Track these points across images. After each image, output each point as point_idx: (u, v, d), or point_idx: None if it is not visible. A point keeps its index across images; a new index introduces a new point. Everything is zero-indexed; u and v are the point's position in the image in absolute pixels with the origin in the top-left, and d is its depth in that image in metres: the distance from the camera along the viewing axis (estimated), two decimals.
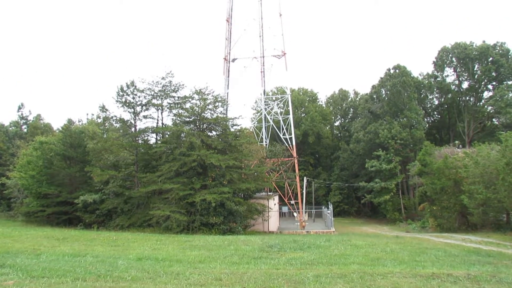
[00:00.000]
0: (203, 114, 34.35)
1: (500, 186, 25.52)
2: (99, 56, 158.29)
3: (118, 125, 37.90)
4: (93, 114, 66.04)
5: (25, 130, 66.48)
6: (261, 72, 51.84)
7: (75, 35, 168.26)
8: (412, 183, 54.65)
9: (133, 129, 36.50)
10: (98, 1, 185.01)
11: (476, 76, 59.92)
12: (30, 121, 68.04)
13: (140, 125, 36.81)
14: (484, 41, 59.50)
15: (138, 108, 35.96)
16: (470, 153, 33.96)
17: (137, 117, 36.30)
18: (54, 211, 35.90)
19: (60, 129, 47.71)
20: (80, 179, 37.26)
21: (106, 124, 40.15)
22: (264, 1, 54.31)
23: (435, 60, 63.71)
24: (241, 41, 55.04)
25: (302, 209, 45.14)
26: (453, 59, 61.29)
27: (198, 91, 35.56)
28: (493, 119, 62.09)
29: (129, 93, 35.83)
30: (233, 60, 51.93)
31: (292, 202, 47.64)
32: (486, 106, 59.56)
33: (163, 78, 36.53)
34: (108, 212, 33.51)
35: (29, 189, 37.58)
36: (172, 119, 36.95)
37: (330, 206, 48.39)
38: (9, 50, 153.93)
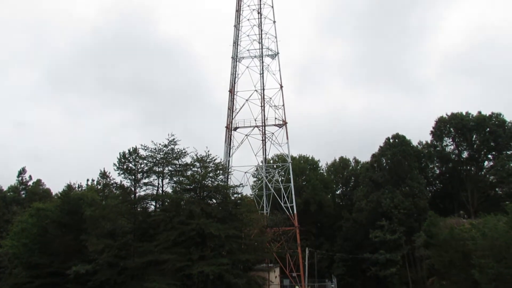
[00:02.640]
0: (203, 182, 34.23)
1: (511, 260, 24.46)
2: (106, 125, 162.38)
3: (117, 192, 37.58)
4: (93, 180, 65.92)
5: (24, 195, 65.82)
6: (262, 140, 52.63)
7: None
8: (418, 255, 52.60)
9: (132, 196, 36.10)
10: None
11: (475, 146, 60.68)
12: (30, 187, 67.63)
13: (140, 192, 36.53)
14: (480, 112, 61.19)
15: (139, 175, 35.89)
16: (476, 224, 33.16)
17: (137, 184, 36.10)
18: (44, 282, 34.17)
19: (59, 194, 47.23)
20: (74, 248, 35.94)
21: (106, 191, 39.84)
22: (265, 73, 56.99)
23: (433, 130, 64.92)
24: (243, 111, 56.67)
25: (304, 282, 42.95)
26: (451, 129, 62.49)
27: (200, 158, 35.78)
28: (496, 189, 61.61)
29: (131, 160, 36.03)
30: (235, 128, 53.11)
31: (294, 274, 45.50)
32: (488, 176, 59.47)
33: (165, 146, 36.93)
34: (101, 284, 31.86)
35: (20, 258, 36.17)
36: (173, 186, 36.78)
37: (334, 280, 46.15)
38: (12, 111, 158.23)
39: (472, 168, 62.58)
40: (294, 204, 46.60)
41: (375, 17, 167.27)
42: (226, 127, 55.48)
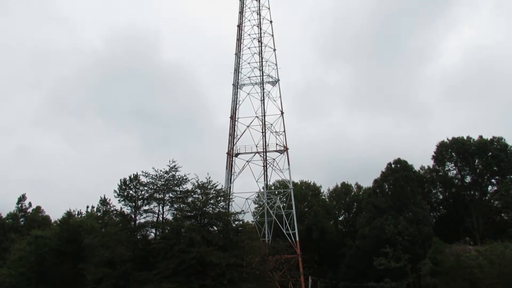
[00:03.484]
0: (204, 208, 33.85)
1: None
2: (107, 151, 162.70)
3: (117, 219, 37.16)
4: (93, 207, 65.38)
5: (23, 223, 65.08)
6: (264, 166, 52.44)
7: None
8: (425, 283, 51.23)
9: (132, 223, 35.64)
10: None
11: (477, 170, 60.24)
12: (29, 214, 66.99)
13: (140, 219, 36.10)
14: (481, 136, 61.11)
15: (140, 202, 35.58)
16: (483, 251, 32.48)
17: (137, 211, 35.72)
18: None
19: (58, 222, 46.72)
20: (72, 277, 35.22)
21: (106, 218, 39.44)
22: (266, 99, 57.50)
23: (434, 154, 64.67)
24: (244, 137, 56.79)
25: None
26: (453, 153, 62.27)
27: (201, 185, 35.53)
28: (502, 214, 60.73)
29: (131, 186, 35.81)
30: (236, 154, 53.05)
31: None
32: (492, 201, 58.78)
33: (166, 172, 36.77)
34: None
35: None
36: (173, 213, 36.38)
37: None
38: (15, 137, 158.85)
39: (476, 193, 61.90)
40: (296, 231, 45.92)
41: (374, 42, 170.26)
42: (227, 153, 55.48)
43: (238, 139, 56.36)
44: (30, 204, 69.85)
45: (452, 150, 62.22)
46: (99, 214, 50.86)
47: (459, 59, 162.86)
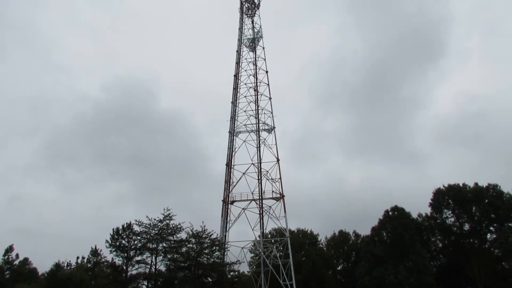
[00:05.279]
0: (199, 259, 32.86)
1: None
2: (101, 198, 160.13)
3: (108, 271, 35.78)
4: (83, 257, 63.07)
5: (8, 276, 62.30)
6: (260, 214, 51.65)
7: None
8: None
9: (124, 275, 34.30)
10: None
11: (475, 217, 59.70)
12: (15, 266, 64.33)
13: (132, 270, 34.82)
14: (476, 183, 61.18)
15: (132, 253, 34.51)
16: None
17: (129, 262, 34.53)
18: None
19: (46, 275, 44.82)
20: None
21: (96, 270, 37.98)
22: (262, 147, 57.89)
23: (431, 201, 64.29)
24: (240, 184, 56.36)
25: None
26: (450, 201, 61.96)
27: (195, 234, 34.75)
28: (503, 263, 59.38)
29: (124, 236, 34.89)
30: (232, 202, 52.37)
31: None
32: (492, 249, 57.70)
33: (160, 221, 36.05)
34: None
35: None
36: (166, 264, 35.19)
37: None
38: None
39: (475, 241, 60.90)
40: (293, 281, 44.23)
41: (368, 90, 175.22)
42: (223, 200, 54.75)
43: (234, 186, 55.94)
44: (17, 255, 67.21)
45: (449, 197, 62.01)
46: (89, 265, 48.98)
47: (452, 105, 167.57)
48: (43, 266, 71.81)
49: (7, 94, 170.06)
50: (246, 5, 70.27)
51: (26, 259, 66.19)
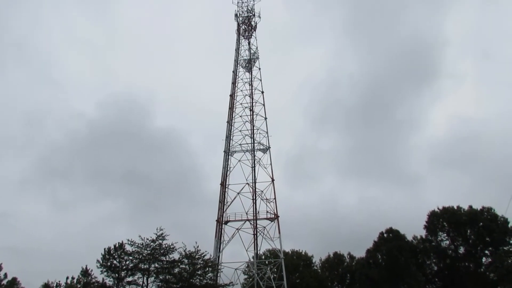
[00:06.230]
0: (191, 280, 32.29)
1: None
2: (93, 216, 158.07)
3: None
4: (73, 278, 61.71)
5: None
6: (254, 235, 51.19)
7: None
8: None
9: None
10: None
11: (470, 240, 59.55)
12: (3, 285, 62.76)
13: None
14: (471, 206, 61.31)
15: (123, 273, 33.89)
16: None
17: (120, 283, 33.87)
18: None
19: None
20: None
21: None
22: (257, 167, 57.89)
23: (426, 224, 64.16)
24: (234, 204, 55.95)
25: None
26: (444, 223, 61.89)
27: (188, 254, 34.27)
28: (498, 287, 58.84)
29: (115, 256, 34.35)
30: (226, 222, 51.95)
31: None
32: (488, 273, 57.29)
33: (153, 241, 35.57)
34: None
35: None
36: (158, 285, 34.52)
37: None
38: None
39: (471, 265, 60.53)
40: None
41: (363, 111, 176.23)
42: (217, 220, 54.27)
43: (228, 206, 55.55)
44: (5, 275, 65.73)
45: (444, 220, 62.00)
46: (79, 286, 47.93)
47: (446, 128, 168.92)
48: (32, 286, 70.06)
49: (1, 108, 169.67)
50: (243, 27, 71.54)
51: (14, 279, 64.61)
